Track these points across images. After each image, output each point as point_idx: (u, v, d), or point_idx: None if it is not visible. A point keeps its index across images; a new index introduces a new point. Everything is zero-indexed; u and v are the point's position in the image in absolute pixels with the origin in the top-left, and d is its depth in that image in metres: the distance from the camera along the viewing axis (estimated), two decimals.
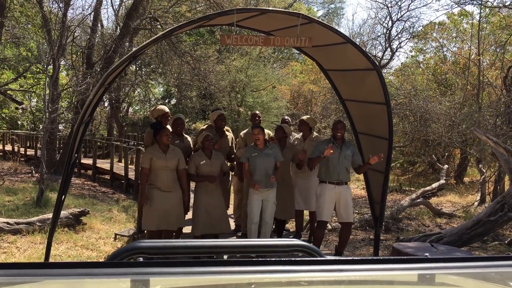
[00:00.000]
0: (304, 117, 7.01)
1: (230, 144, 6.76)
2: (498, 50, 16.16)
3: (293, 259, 1.20)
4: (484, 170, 12.89)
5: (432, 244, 5.93)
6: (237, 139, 7.05)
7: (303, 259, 1.24)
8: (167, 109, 6.38)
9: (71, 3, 15.38)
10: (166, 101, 32.79)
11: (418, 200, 10.84)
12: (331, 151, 5.62)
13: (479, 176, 13.71)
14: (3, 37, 14.81)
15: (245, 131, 7.12)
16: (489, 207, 7.84)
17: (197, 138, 6.42)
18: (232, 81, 22.06)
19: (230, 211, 7.78)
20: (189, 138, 6.39)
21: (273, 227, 6.64)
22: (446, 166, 14.63)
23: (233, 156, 6.75)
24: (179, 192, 5.75)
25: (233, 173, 7.04)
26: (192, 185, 6.20)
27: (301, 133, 6.93)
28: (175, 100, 31.30)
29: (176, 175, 5.74)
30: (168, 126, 6.20)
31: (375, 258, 1.23)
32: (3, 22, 13.41)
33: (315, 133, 6.93)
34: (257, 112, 7.18)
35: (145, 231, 6.12)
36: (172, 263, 1.15)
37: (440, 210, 10.83)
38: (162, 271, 1.13)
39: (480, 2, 13.96)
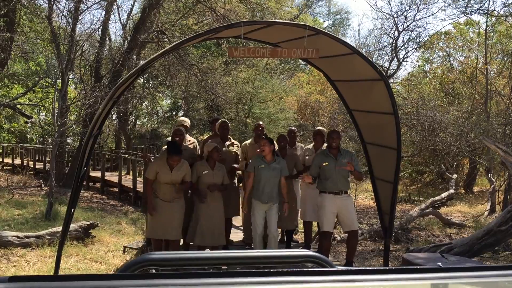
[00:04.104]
0: (321, 128, 7.08)
1: (234, 151, 6.75)
2: (505, 58, 16.13)
3: (304, 269, 1.20)
4: (494, 180, 12.79)
5: (442, 255, 5.88)
6: (240, 152, 7.04)
7: (314, 269, 1.24)
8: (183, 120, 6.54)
9: (80, 18, 15.55)
10: (174, 113, 32.91)
11: (428, 210, 10.76)
12: (308, 181, 5.90)
13: (488, 186, 13.60)
14: (12, 52, 14.98)
15: (247, 141, 7.09)
16: (500, 217, 7.76)
17: (202, 148, 6.44)
18: (239, 93, 22.13)
19: (239, 222, 7.77)
20: (191, 146, 6.43)
21: (279, 237, 6.63)
22: (455, 175, 14.53)
23: (234, 166, 6.71)
24: (181, 202, 5.81)
25: (241, 184, 7.04)
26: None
27: (312, 144, 6.96)
28: (182, 112, 31.42)
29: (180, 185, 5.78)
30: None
31: (387, 268, 1.22)
32: (13, 37, 13.57)
33: (325, 144, 6.95)
34: (261, 122, 7.18)
35: (151, 242, 6.18)
36: (184, 275, 1.15)
37: (449, 220, 10.74)
38: (174, 282, 1.13)
39: (486, 11, 13.97)
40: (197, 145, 6.84)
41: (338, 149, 6.02)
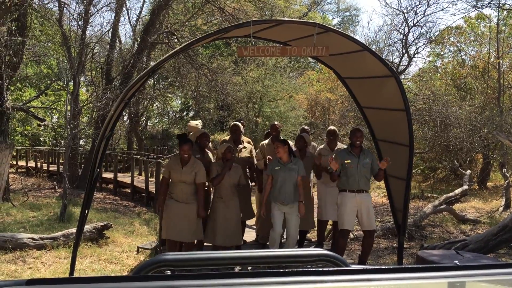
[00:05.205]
0: (334, 128, 7.08)
1: (249, 155, 6.76)
2: None
3: (319, 269, 1.19)
4: (508, 175, 12.63)
5: (457, 252, 5.82)
6: (257, 150, 7.04)
7: (329, 268, 1.23)
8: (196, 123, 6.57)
9: (90, 20, 15.66)
10: (184, 113, 33.03)
11: (441, 207, 10.65)
12: (335, 165, 5.70)
13: (502, 181, 13.44)
14: (24, 56, 15.12)
15: (265, 142, 7.10)
16: None
17: (218, 150, 6.47)
18: (249, 92, 22.14)
19: (251, 222, 7.78)
20: (210, 154, 6.45)
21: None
22: (468, 171, 14.37)
23: (251, 166, 6.74)
24: (196, 204, 5.77)
25: (254, 184, 7.05)
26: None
27: (325, 144, 6.95)
28: (193, 113, 31.51)
29: (194, 187, 5.76)
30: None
31: (402, 266, 1.21)
32: (24, 41, 13.70)
33: (339, 143, 6.93)
34: (276, 122, 7.18)
35: (166, 243, 6.22)
36: (198, 276, 1.16)
37: (464, 217, 10.63)
38: (189, 283, 1.13)
39: (498, 4, 13.80)
40: (210, 147, 6.90)
41: (361, 148, 5.99)
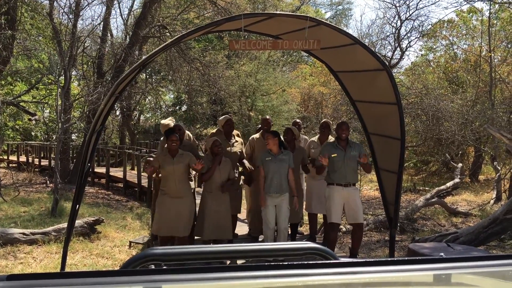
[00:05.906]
0: (328, 120, 7.07)
1: (239, 150, 6.75)
2: (509, 46, 16.00)
3: (307, 262, 1.19)
4: (499, 168, 12.73)
5: (448, 244, 5.86)
6: (247, 144, 7.02)
7: (317, 262, 1.23)
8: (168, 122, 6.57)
9: (81, 14, 15.55)
10: (177, 108, 32.93)
11: (433, 200, 10.72)
12: (324, 163, 5.72)
13: (494, 174, 13.54)
14: (14, 50, 14.99)
15: (255, 135, 7.07)
16: (506, 205, 7.73)
17: (205, 143, 6.47)
18: (242, 86, 22.09)
19: (243, 215, 7.78)
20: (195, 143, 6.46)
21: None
22: (460, 164, 14.47)
23: (241, 161, 6.72)
24: (189, 198, 5.84)
25: (243, 178, 7.03)
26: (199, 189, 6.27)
27: (317, 136, 6.94)
28: (185, 107, 31.43)
29: (186, 180, 5.82)
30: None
31: (389, 259, 1.21)
32: (14, 35, 13.57)
33: (331, 137, 6.93)
34: (267, 117, 7.15)
35: (158, 237, 6.21)
36: (185, 270, 1.15)
37: (455, 209, 10.71)
38: (175, 278, 1.13)
39: None
40: (192, 137, 6.92)
41: (347, 140, 6.00)
